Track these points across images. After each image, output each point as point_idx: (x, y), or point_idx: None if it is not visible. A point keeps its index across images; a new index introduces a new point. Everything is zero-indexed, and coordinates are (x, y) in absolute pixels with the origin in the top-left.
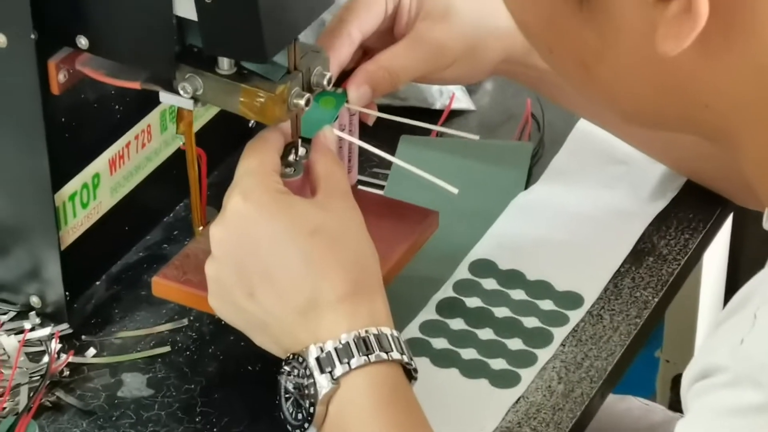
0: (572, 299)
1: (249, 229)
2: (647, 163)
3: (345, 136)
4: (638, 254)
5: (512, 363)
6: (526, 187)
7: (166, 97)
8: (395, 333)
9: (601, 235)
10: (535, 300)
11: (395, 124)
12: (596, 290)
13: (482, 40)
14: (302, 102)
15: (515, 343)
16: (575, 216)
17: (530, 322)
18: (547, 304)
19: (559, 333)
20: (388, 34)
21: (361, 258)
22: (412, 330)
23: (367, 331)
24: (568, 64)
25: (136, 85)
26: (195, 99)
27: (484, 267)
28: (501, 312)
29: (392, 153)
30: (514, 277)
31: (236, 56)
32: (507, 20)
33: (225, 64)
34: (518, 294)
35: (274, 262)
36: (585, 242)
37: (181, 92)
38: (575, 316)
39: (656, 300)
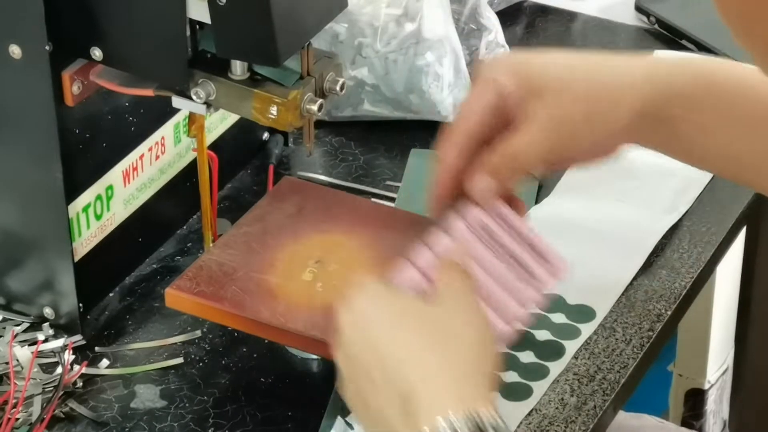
0: (584, 312)
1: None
2: (659, 177)
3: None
4: (651, 267)
5: (524, 376)
6: (537, 200)
7: (179, 102)
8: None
9: (613, 249)
10: (546, 313)
11: (407, 137)
12: (608, 304)
13: (601, 103)
14: (315, 108)
15: (527, 356)
16: (587, 230)
17: (542, 335)
18: (558, 317)
19: (571, 346)
20: (504, 122)
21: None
22: None
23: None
24: None
25: (149, 93)
26: (208, 104)
27: None
28: None
29: (402, 165)
30: None
31: (249, 59)
32: (627, 75)
33: (238, 69)
34: None
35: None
36: (597, 256)
37: (194, 97)
38: (587, 329)
39: (669, 313)
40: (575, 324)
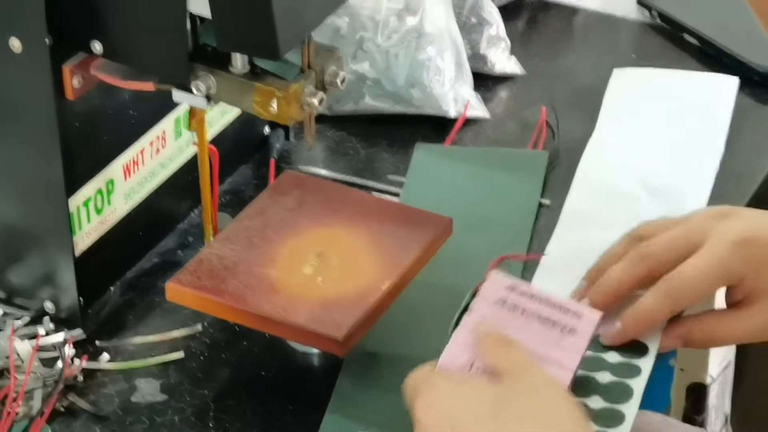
0: (636, 350)
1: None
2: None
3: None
4: None
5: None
6: (543, 194)
7: (179, 96)
8: None
9: None
10: (600, 353)
11: (408, 131)
12: (658, 336)
13: None
14: (316, 101)
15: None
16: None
17: (603, 377)
18: (612, 356)
19: (638, 384)
20: None
21: None
22: None
23: None
24: None
25: (149, 86)
26: (208, 98)
27: None
28: None
29: (404, 159)
30: None
31: (249, 53)
32: None
33: (238, 62)
34: None
35: None
36: None
37: (195, 91)
38: (645, 364)
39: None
40: (631, 361)
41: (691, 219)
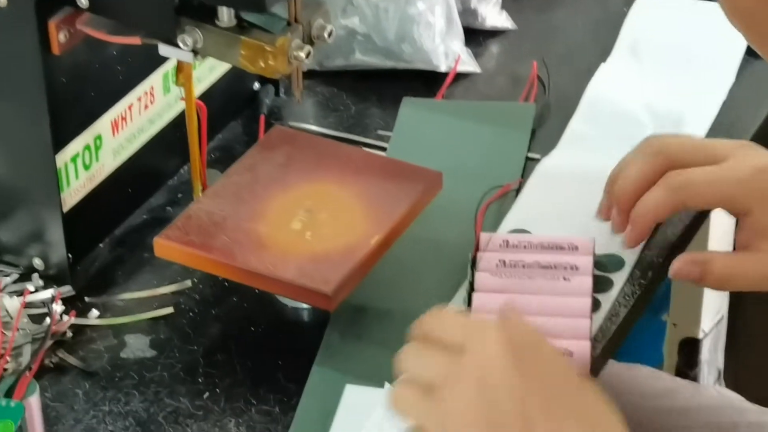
0: (613, 262)
1: None
2: (666, 125)
3: None
4: None
5: None
6: (529, 148)
7: (165, 50)
8: None
9: None
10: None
11: (399, 86)
12: (635, 251)
13: None
14: (303, 54)
15: None
16: (601, 179)
17: None
18: None
19: (605, 298)
20: None
21: None
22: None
23: None
24: None
25: (136, 41)
26: (195, 52)
27: None
28: None
29: (394, 115)
30: None
31: (235, 5)
32: None
33: (225, 16)
34: None
35: None
36: None
37: (181, 45)
38: (619, 278)
39: (661, 261)
40: (606, 275)
41: (713, 139)
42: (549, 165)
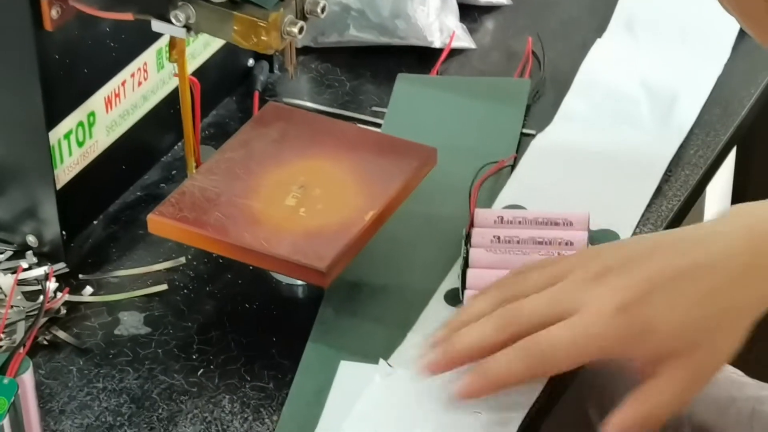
0: (608, 237)
1: None
2: (661, 101)
3: None
4: None
5: None
6: (524, 124)
7: (158, 26)
8: None
9: (625, 172)
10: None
11: (393, 62)
12: (630, 227)
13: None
14: (296, 30)
15: None
16: (596, 155)
17: None
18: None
19: None
20: None
21: None
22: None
23: None
24: None
25: (128, 16)
26: (188, 27)
27: None
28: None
29: (388, 91)
30: None
31: None
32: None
33: None
34: None
35: None
36: (611, 180)
37: (174, 21)
38: None
39: None
40: None
41: (567, 281)
42: (544, 141)
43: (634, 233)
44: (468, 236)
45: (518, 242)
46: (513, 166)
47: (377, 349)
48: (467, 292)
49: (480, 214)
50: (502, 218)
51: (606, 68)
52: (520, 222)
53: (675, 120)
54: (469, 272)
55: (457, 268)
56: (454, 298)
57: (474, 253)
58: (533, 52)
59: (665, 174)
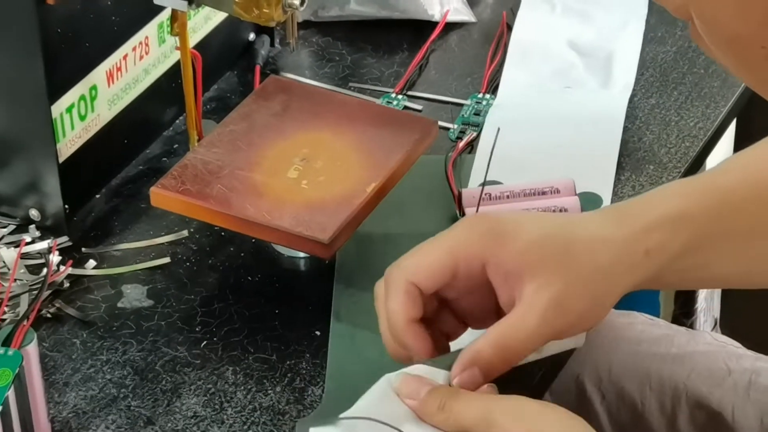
0: (593, 200)
1: None
2: (595, 62)
3: None
4: (638, 162)
5: None
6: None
7: None
8: None
9: (586, 133)
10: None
11: (394, 36)
12: (608, 186)
13: (599, 287)
14: (297, 2)
15: None
16: (552, 119)
17: None
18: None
19: None
20: (489, 302)
21: None
22: None
23: None
24: None
25: None
26: (189, 0)
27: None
28: None
29: (389, 65)
30: None
31: None
32: (626, 255)
33: None
34: None
35: None
36: (575, 142)
37: None
38: None
39: None
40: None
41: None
42: (499, 114)
43: (614, 192)
44: (462, 216)
45: None
46: (474, 142)
47: None
48: None
49: (467, 193)
50: (491, 195)
51: (534, 37)
52: (508, 196)
53: (616, 77)
54: None
55: None
56: None
57: None
58: (507, 25)
59: (665, 146)
